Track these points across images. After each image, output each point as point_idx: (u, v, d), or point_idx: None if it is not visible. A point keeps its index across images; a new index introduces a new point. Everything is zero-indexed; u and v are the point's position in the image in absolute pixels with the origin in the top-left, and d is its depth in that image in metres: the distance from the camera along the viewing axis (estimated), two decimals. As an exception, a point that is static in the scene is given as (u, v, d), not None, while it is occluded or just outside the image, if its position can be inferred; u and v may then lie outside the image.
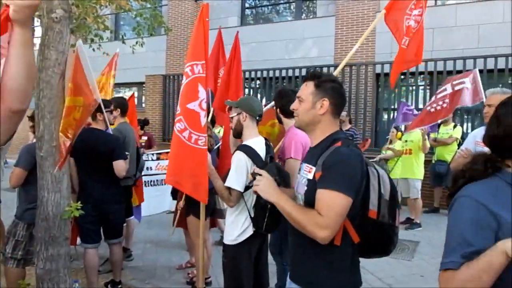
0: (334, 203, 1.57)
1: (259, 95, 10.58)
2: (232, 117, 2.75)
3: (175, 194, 4.36)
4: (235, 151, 2.66)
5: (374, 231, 1.70)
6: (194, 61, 2.74)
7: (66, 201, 2.98)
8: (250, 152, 2.58)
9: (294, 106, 1.93)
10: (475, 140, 3.12)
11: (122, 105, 4.38)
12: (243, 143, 2.67)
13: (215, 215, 4.31)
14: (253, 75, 10.28)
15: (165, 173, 6.17)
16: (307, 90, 1.84)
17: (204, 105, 2.73)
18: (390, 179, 1.78)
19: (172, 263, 4.68)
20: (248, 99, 2.91)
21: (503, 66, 7.66)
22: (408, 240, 5.64)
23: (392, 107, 9.26)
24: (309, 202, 1.69)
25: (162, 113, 11.88)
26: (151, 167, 6.12)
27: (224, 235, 2.78)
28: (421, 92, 9.25)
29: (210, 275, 4.14)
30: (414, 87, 9.19)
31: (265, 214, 2.52)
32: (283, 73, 9.96)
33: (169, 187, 5.66)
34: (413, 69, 8.23)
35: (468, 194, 1.28)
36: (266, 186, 1.76)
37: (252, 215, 2.58)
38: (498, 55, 7.74)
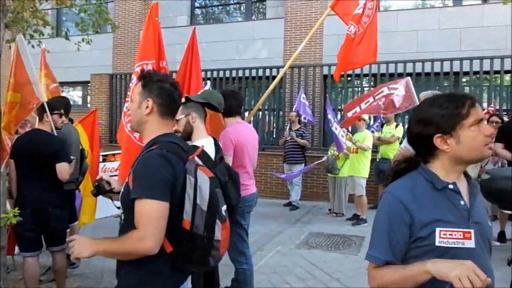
0: (145, 211, 1.52)
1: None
2: (178, 119, 2.65)
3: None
4: None
5: (187, 242, 1.60)
6: (144, 60, 2.74)
7: (1, 207, 2.79)
8: (200, 154, 2.56)
9: (127, 106, 1.99)
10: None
11: (65, 105, 4.17)
12: (193, 144, 2.63)
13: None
14: (203, 75, 10.19)
15: (111, 175, 6.05)
16: (136, 90, 1.80)
17: None
18: (213, 188, 1.69)
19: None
20: (194, 98, 2.85)
21: (439, 69, 8.19)
22: (355, 236, 5.87)
23: (339, 107, 9.57)
24: (123, 204, 1.69)
25: (108, 113, 11.46)
26: (96, 170, 5.89)
27: None
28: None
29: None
30: (359, 89, 9.59)
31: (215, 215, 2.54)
32: (233, 74, 9.98)
33: (117, 190, 5.49)
34: (358, 71, 8.57)
35: (391, 190, 1.42)
36: (81, 246, 1.58)
37: None
38: (434, 60, 8.27)
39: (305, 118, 8.24)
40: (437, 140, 1.37)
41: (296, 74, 9.45)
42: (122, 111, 2.78)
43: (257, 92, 9.91)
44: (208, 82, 7.21)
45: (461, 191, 1.40)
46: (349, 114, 4.94)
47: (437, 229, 1.32)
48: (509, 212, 4.53)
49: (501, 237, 5.59)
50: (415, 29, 9.38)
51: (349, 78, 9.43)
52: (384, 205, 1.41)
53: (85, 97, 13.36)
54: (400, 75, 8.33)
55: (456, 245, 1.32)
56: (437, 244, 1.32)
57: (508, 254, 3.53)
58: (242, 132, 3.29)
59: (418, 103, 3.98)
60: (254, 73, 9.72)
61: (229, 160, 3.12)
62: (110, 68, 12.22)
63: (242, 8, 12.43)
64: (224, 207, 1.75)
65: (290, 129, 7.83)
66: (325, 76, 9.45)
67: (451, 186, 1.38)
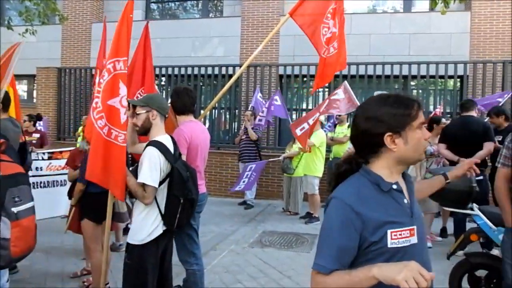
0: None
1: (164, 93, 10.30)
2: (138, 114, 2.67)
3: (72, 194, 4.02)
4: (146, 146, 2.59)
5: None
6: (117, 57, 2.73)
7: None
8: (162, 148, 2.56)
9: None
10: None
11: (4, 99, 3.89)
12: (154, 139, 2.62)
13: (113, 218, 4.07)
14: (157, 71, 9.96)
15: (58, 174, 5.76)
16: None
17: (125, 102, 2.70)
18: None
19: (65, 272, 4.32)
20: (155, 96, 2.89)
21: (389, 72, 8.51)
22: (308, 234, 5.96)
23: (295, 107, 9.70)
24: None
25: (56, 109, 10.90)
26: (41, 167, 5.59)
27: (130, 235, 2.65)
28: (320, 94, 9.86)
29: (109, 280, 3.90)
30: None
31: (177, 210, 2.56)
32: (189, 71, 9.83)
33: (64, 190, 5.22)
34: (312, 72, 8.73)
35: (338, 195, 1.37)
36: None
37: (163, 212, 2.56)
38: (385, 63, 8.58)
39: (260, 120, 8.20)
40: (387, 139, 1.36)
41: (252, 73, 9.47)
42: (91, 106, 2.76)
43: (213, 91, 9.82)
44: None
45: (402, 189, 1.43)
46: (298, 132, 4.86)
47: (389, 231, 1.32)
48: (450, 209, 4.76)
49: (443, 232, 5.91)
50: (368, 33, 9.70)
51: (304, 79, 9.58)
52: (332, 211, 1.35)
53: (31, 91, 12.63)
54: (353, 77, 8.60)
55: (405, 244, 1.34)
56: (389, 246, 1.32)
57: (448, 248, 3.72)
58: (196, 131, 3.25)
59: (358, 105, 4.07)
60: (210, 71, 9.63)
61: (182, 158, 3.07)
62: (58, 62, 11.64)
63: (199, 5, 12.28)
64: (23, 207, 1.73)
65: (246, 128, 7.82)
66: (281, 76, 9.54)
67: (394, 186, 1.40)
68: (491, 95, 7.84)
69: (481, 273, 3.32)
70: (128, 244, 2.63)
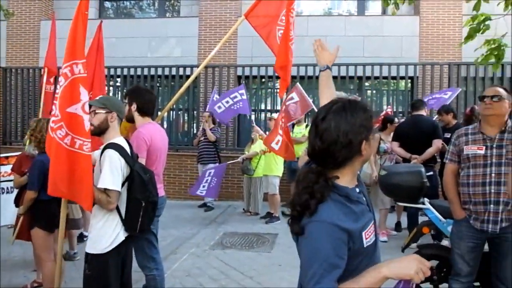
0: None
1: (119, 94, 10.00)
2: (96, 113, 2.57)
3: (19, 201, 3.80)
4: (104, 149, 2.48)
5: None
6: (74, 60, 2.47)
7: None
8: (121, 150, 2.47)
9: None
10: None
11: None
12: (111, 141, 2.52)
13: (67, 225, 3.89)
14: (112, 72, 9.66)
15: (3, 180, 5.42)
16: None
17: (87, 108, 2.49)
18: None
19: (14, 285, 4.07)
20: (115, 99, 2.83)
21: (345, 74, 8.75)
22: (268, 233, 5.99)
23: (254, 108, 9.73)
24: None
25: (1, 111, 10.28)
26: (-16, 174, 5.24)
27: (89, 244, 2.52)
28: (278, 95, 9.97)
29: (62, 291, 3.72)
30: (272, 90, 9.85)
31: (139, 213, 2.48)
32: (146, 72, 9.60)
33: (10, 197, 4.92)
34: (270, 73, 8.81)
35: (319, 219, 1.30)
36: None
37: (124, 217, 2.48)
38: (341, 64, 8.78)
39: (217, 123, 8.13)
40: (365, 145, 1.36)
41: (210, 74, 9.40)
42: (51, 115, 2.52)
43: (170, 91, 9.65)
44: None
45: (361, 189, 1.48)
46: (275, 146, 4.68)
47: (363, 233, 1.36)
48: (403, 204, 4.95)
49: (397, 226, 6.15)
50: (324, 35, 9.88)
51: (262, 80, 9.63)
52: (320, 235, 1.28)
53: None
54: (310, 78, 8.75)
55: (373, 239, 1.40)
56: (365, 246, 1.36)
57: (403, 241, 3.87)
58: (155, 133, 3.18)
59: (313, 106, 4.14)
60: (167, 71, 9.46)
61: (142, 161, 3.00)
62: (3, 61, 10.98)
63: (155, 5, 12.03)
64: None
65: (204, 129, 7.74)
66: (239, 77, 9.54)
67: (357, 190, 1.43)
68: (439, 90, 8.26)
69: (433, 263, 3.48)
70: (87, 254, 2.50)
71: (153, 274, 3.20)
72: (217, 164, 7.32)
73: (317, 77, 8.13)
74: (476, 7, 4.29)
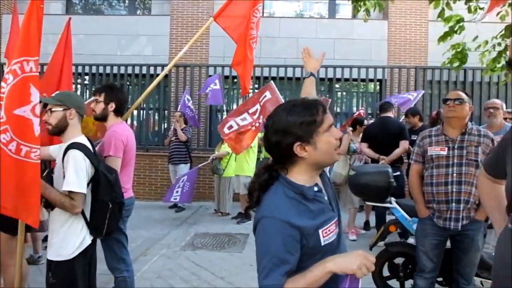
0: None
1: (87, 93, 9.75)
2: (53, 111, 2.42)
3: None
4: (67, 149, 2.34)
5: None
6: (26, 56, 2.20)
7: None
8: (85, 150, 2.35)
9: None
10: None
11: None
12: (74, 141, 2.39)
13: (32, 228, 3.76)
14: (80, 69, 9.41)
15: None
16: None
17: (38, 110, 2.24)
18: None
19: (-27, 290, 3.90)
20: (73, 95, 2.69)
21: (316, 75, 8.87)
22: (240, 234, 6.00)
23: (225, 108, 9.72)
24: None
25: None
26: None
27: (52, 251, 2.38)
28: (250, 95, 9.97)
29: (25, 297, 3.59)
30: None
31: (106, 215, 2.39)
32: (115, 70, 9.41)
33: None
34: (243, 73, 8.82)
35: (269, 214, 1.34)
36: None
37: (89, 220, 2.37)
38: (311, 66, 8.92)
39: (189, 124, 8.06)
40: (297, 148, 1.37)
41: (181, 74, 9.32)
42: None
43: (140, 91, 9.45)
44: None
45: (322, 188, 1.49)
46: (226, 130, 4.60)
47: (320, 231, 1.38)
48: (371, 203, 5.09)
49: (366, 225, 6.30)
50: (296, 36, 10.01)
51: (234, 80, 9.64)
52: (270, 231, 1.33)
53: None
54: (282, 79, 8.84)
55: (333, 238, 1.43)
56: (322, 244, 1.38)
57: (371, 240, 3.97)
58: (129, 133, 3.14)
59: None
60: (138, 70, 9.30)
61: (118, 162, 2.93)
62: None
63: (125, 2, 11.80)
64: None
65: (175, 129, 7.67)
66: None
67: (316, 188, 1.45)
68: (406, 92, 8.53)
69: (399, 260, 3.60)
70: (50, 261, 2.37)
71: (123, 276, 3.14)
72: (189, 171, 7.26)
73: (288, 78, 8.38)
74: (441, 14, 4.47)
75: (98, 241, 2.64)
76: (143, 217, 6.73)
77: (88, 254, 2.44)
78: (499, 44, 5.17)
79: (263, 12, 10.94)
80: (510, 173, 1.36)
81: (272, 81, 4.59)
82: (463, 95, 2.86)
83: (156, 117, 10.14)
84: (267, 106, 4.37)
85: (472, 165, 2.79)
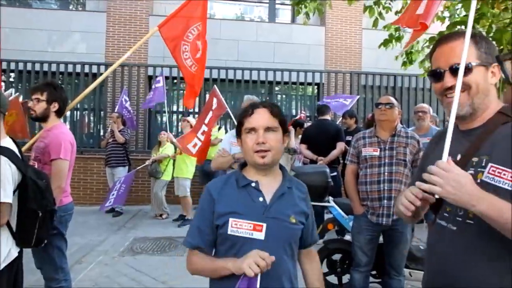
0: None
1: (13, 90, 9.04)
2: None
3: None
4: None
5: None
6: None
7: None
8: (11, 155, 2.11)
9: None
10: (230, 140, 3.58)
11: None
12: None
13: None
14: (5, 66, 8.70)
15: None
16: None
17: None
18: None
19: None
20: None
21: (256, 78, 9.01)
22: (181, 237, 5.91)
23: (164, 109, 9.53)
24: None
25: None
26: None
27: None
28: (196, 99, 9.89)
29: None
30: (183, 92, 9.74)
31: (35, 225, 2.19)
32: (45, 67, 8.84)
33: None
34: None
35: (208, 185, 1.61)
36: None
37: (15, 230, 2.16)
38: (252, 68, 9.05)
39: (127, 125, 7.80)
40: (238, 142, 1.62)
41: (119, 73, 8.98)
42: None
43: (74, 90, 8.99)
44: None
45: (263, 189, 1.53)
46: (191, 149, 4.58)
47: (230, 219, 1.47)
48: (310, 202, 5.23)
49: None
50: (236, 39, 10.09)
51: (174, 81, 9.49)
52: (201, 197, 1.59)
53: None
54: (223, 81, 8.85)
55: (244, 235, 1.46)
56: (228, 232, 1.46)
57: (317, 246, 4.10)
58: (72, 136, 2.98)
59: (227, 108, 4.26)
60: (71, 68, 8.80)
61: (67, 165, 2.79)
62: None
63: (57, -5, 11.15)
64: None
65: (112, 130, 7.38)
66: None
67: (253, 184, 1.53)
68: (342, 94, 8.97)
69: (337, 257, 3.76)
70: None
71: (61, 286, 2.95)
72: (126, 174, 7.01)
73: (229, 80, 8.39)
74: (375, 23, 4.77)
75: (27, 250, 2.47)
76: (78, 223, 6.37)
77: (14, 267, 2.22)
78: (428, 46, 5.61)
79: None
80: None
81: (215, 86, 4.60)
82: (393, 100, 3.08)
83: (92, 118, 9.67)
84: (215, 113, 4.40)
85: (401, 165, 3.01)
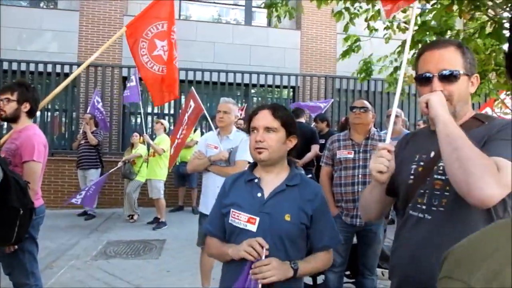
0: None
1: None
2: None
3: None
4: None
5: None
6: None
7: None
8: None
9: None
10: (206, 142, 3.58)
11: None
12: None
13: None
14: (-29, 64, 8.39)
15: None
16: None
17: None
18: None
19: None
20: None
21: (232, 80, 9.03)
22: (156, 240, 5.85)
23: (139, 111, 9.40)
24: None
25: None
26: None
27: None
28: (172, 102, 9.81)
29: None
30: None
31: (15, 223, 2.23)
32: (14, 67, 8.56)
33: None
34: (159, 76, 8.61)
35: (225, 179, 1.84)
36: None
37: None
38: (228, 71, 9.07)
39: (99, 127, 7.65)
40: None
41: (92, 74, 8.80)
42: None
43: (45, 90, 8.74)
44: None
45: (264, 186, 1.67)
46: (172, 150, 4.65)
47: (231, 210, 1.65)
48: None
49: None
50: (212, 41, 10.07)
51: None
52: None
53: None
54: (198, 82, 8.82)
55: (239, 226, 1.61)
56: (229, 221, 1.65)
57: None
58: (45, 138, 2.91)
59: (204, 110, 4.27)
60: (42, 68, 8.57)
61: (40, 167, 2.72)
62: None
63: (26, -7, 10.81)
64: None
65: (84, 131, 7.22)
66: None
67: (256, 180, 1.69)
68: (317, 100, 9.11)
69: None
70: None
71: None
72: (99, 177, 6.88)
73: (205, 82, 8.34)
74: (345, 28, 4.90)
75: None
76: (48, 227, 6.18)
77: None
78: (396, 59, 5.82)
79: (179, 15, 10.84)
80: (399, 174, 1.54)
81: (193, 88, 4.59)
82: (367, 104, 3.16)
83: (63, 119, 9.42)
84: (193, 116, 4.38)
85: (374, 167, 3.09)
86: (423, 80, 1.39)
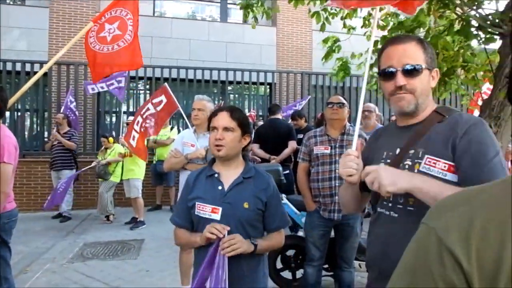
0: None
1: None
2: None
3: None
4: None
5: None
6: None
7: None
8: None
9: None
10: (183, 140, 3.56)
11: None
12: None
13: None
14: None
15: None
16: None
17: None
18: None
19: None
20: None
21: (209, 77, 8.98)
22: (134, 240, 5.78)
23: (114, 110, 9.26)
24: None
25: None
26: None
27: None
28: (141, 96, 9.67)
29: None
30: (135, 91, 9.51)
31: None
32: (-20, 65, 8.24)
33: None
34: (133, 74, 8.49)
35: (189, 174, 2.04)
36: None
37: None
38: (204, 68, 9.01)
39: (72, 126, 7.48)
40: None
41: (64, 72, 8.58)
42: None
43: (14, 90, 8.45)
44: None
45: (223, 179, 1.87)
46: (133, 143, 4.45)
47: (196, 203, 1.83)
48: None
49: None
50: (188, 38, 9.99)
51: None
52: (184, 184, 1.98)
53: None
54: (174, 80, 8.73)
55: (205, 216, 1.81)
56: (195, 213, 1.83)
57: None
58: (15, 140, 2.82)
59: (179, 107, 4.25)
60: (10, 67, 8.28)
61: (11, 169, 2.65)
62: None
63: (-8, -12, 10.42)
64: None
65: (58, 132, 7.03)
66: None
67: (216, 175, 1.88)
68: (293, 101, 9.16)
69: (291, 252, 3.86)
70: None
71: None
72: (71, 176, 6.71)
73: (181, 80, 8.29)
74: (322, 28, 4.94)
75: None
76: (22, 231, 6.02)
77: None
78: (371, 58, 5.88)
79: (153, 12, 10.70)
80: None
81: (166, 84, 4.53)
82: (343, 100, 3.21)
83: (34, 119, 9.16)
84: (164, 111, 4.34)
85: (351, 161, 3.14)
86: (386, 75, 1.42)
